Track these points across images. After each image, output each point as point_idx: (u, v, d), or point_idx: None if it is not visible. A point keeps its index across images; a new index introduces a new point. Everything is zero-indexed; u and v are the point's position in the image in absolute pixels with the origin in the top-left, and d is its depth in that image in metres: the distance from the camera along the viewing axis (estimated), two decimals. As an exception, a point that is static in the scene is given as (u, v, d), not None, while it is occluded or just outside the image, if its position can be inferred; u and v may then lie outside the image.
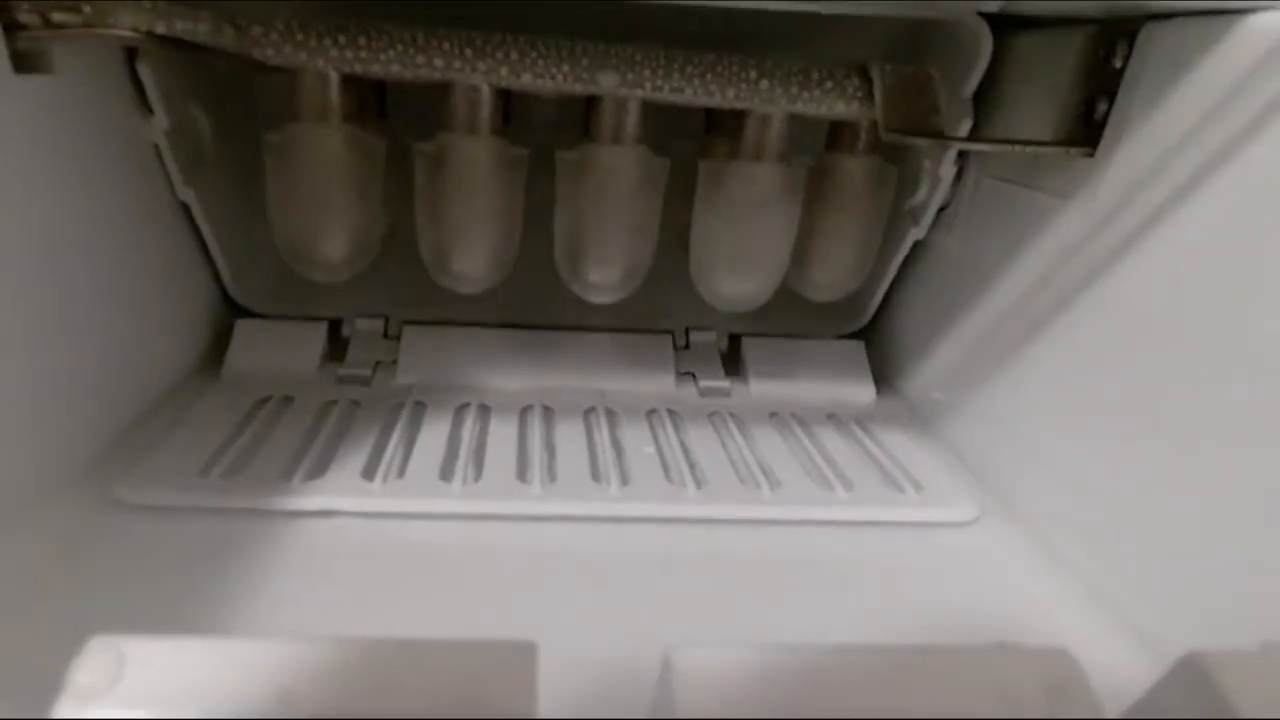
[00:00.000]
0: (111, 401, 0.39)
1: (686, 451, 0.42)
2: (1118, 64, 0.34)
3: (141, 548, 0.32)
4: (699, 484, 0.39)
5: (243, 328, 0.48)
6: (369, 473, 0.37)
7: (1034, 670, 0.18)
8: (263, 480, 0.36)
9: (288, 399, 0.44)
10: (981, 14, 0.38)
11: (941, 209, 0.46)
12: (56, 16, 0.30)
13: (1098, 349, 0.35)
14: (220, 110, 0.43)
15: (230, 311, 0.49)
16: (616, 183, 0.40)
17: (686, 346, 0.53)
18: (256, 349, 0.47)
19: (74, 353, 0.35)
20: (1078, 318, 0.36)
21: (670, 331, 0.52)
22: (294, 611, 0.30)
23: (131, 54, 0.36)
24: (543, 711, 0.17)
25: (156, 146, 0.39)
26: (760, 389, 0.50)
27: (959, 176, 0.43)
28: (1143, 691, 0.19)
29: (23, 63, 0.30)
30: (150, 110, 0.37)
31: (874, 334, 0.55)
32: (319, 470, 0.37)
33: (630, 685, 0.21)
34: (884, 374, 0.53)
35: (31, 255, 0.32)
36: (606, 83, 0.37)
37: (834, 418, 0.48)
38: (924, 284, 0.50)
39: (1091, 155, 0.35)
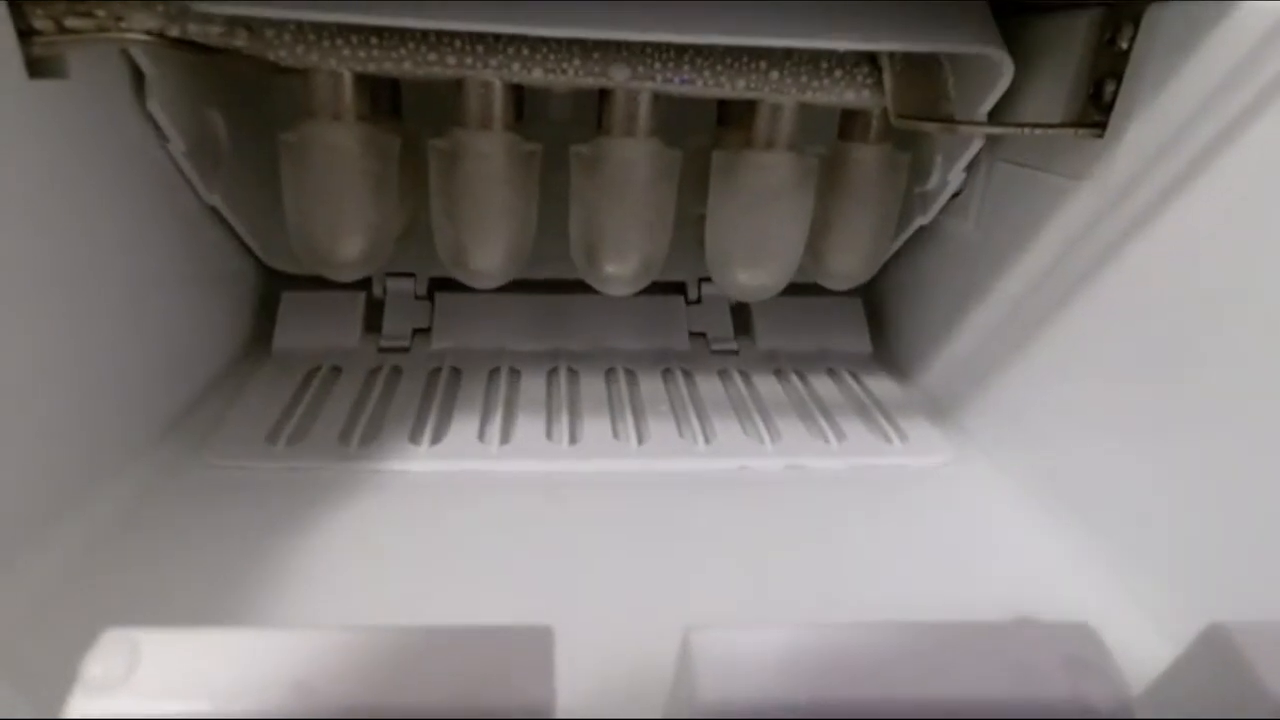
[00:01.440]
0: (178, 378, 0.43)
1: (698, 408, 0.47)
2: (1124, 45, 0.34)
3: (220, 506, 0.36)
4: (708, 439, 0.43)
5: (288, 302, 0.52)
6: (415, 437, 0.42)
7: (1055, 644, 0.18)
8: (322, 447, 0.41)
9: (335, 369, 0.49)
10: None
11: (954, 196, 0.46)
12: (70, 22, 0.30)
13: (1114, 329, 0.35)
14: (236, 109, 0.44)
15: (270, 280, 0.53)
16: (630, 175, 0.41)
17: (699, 300, 0.57)
18: (302, 322, 0.52)
19: (141, 335, 0.39)
20: (1094, 299, 0.36)
21: (683, 283, 0.56)
22: (356, 565, 0.33)
23: (140, 86, 0.36)
24: (561, 690, 0.17)
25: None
26: (766, 345, 0.55)
27: (972, 163, 0.43)
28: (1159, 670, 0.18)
29: (37, 68, 0.30)
30: (166, 138, 0.38)
31: (889, 323, 0.55)
32: (372, 435, 0.42)
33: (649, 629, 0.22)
34: (902, 365, 0.53)
35: (78, 254, 0.33)
36: (618, 76, 0.37)
37: (832, 371, 0.53)
38: (939, 271, 0.50)
39: (1101, 136, 0.35)
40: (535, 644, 0.18)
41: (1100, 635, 0.18)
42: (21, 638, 0.27)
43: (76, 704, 0.16)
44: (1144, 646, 0.28)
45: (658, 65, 0.38)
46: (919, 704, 0.17)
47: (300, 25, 0.36)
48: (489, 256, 0.42)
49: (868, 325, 0.56)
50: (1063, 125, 0.36)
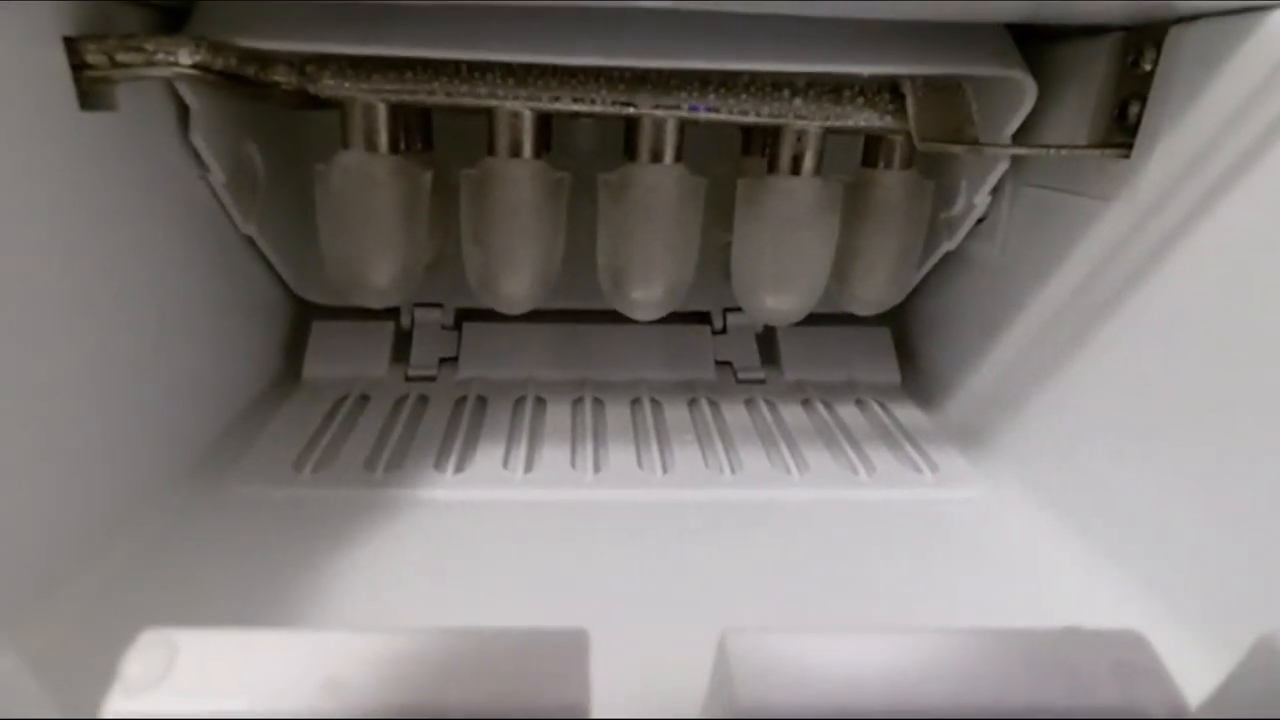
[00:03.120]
0: (210, 406, 0.43)
1: (724, 437, 0.46)
2: (1147, 67, 0.35)
3: (244, 533, 0.36)
4: (734, 469, 0.43)
5: (318, 331, 0.53)
6: (440, 464, 0.42)
7: (1105, 652, 0.17)
8: (347, 474, 0.41)
9: (364, 398, 0.50)
10: (1009, 25, 0.39)
11: (980, 221, 0.46)
12: (121, 56, 0.31)
13: (1145, 351, 0.35)
14: (272, 142, 0.45)
15: (301, 310, 0.54)
16: (656, 200, 0.41)
17: (724, 330, 0.57)
18: (332, 352, 0.52)
19: (175, 364, 0.39)
20: (1123, 321, 0.36)
21: (708, 312, 0.57)
22: (377, 588, 0.33)
23: (184, 118, 0.38)
24: (596, 696, 0.17)
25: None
26: (793, 375, 0.55)
27: (997, 187, 0.43)
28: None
29: (89, 100, 0.31)
30: (207, 168, 0.39)
31: (918, 353, 0.55)
32: (397, 462, 0.42)
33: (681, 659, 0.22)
34: (931, 394, 0.52)
35: (120, 281, 0.34)
36: (643, 105, 0.38)
37: (860, 402, 0.52)
38: (966, 297, 0.50)
39: (1128, 156, 0.35)
40: (571, 646, 0.17)
41: (1150, 642, 0.17)
42: (60, 652, 0.27)
43: (115, 702, 0.16)
44: (1196, 674, 0.27)
45: (683, 94, 0.38)
46: (959, 710, 0.17)
47: (338, 59, 0.37)
48: (517, 282, 0.42)
49: (896, 355, 0.56)
50: (1089, 147, 0.36)
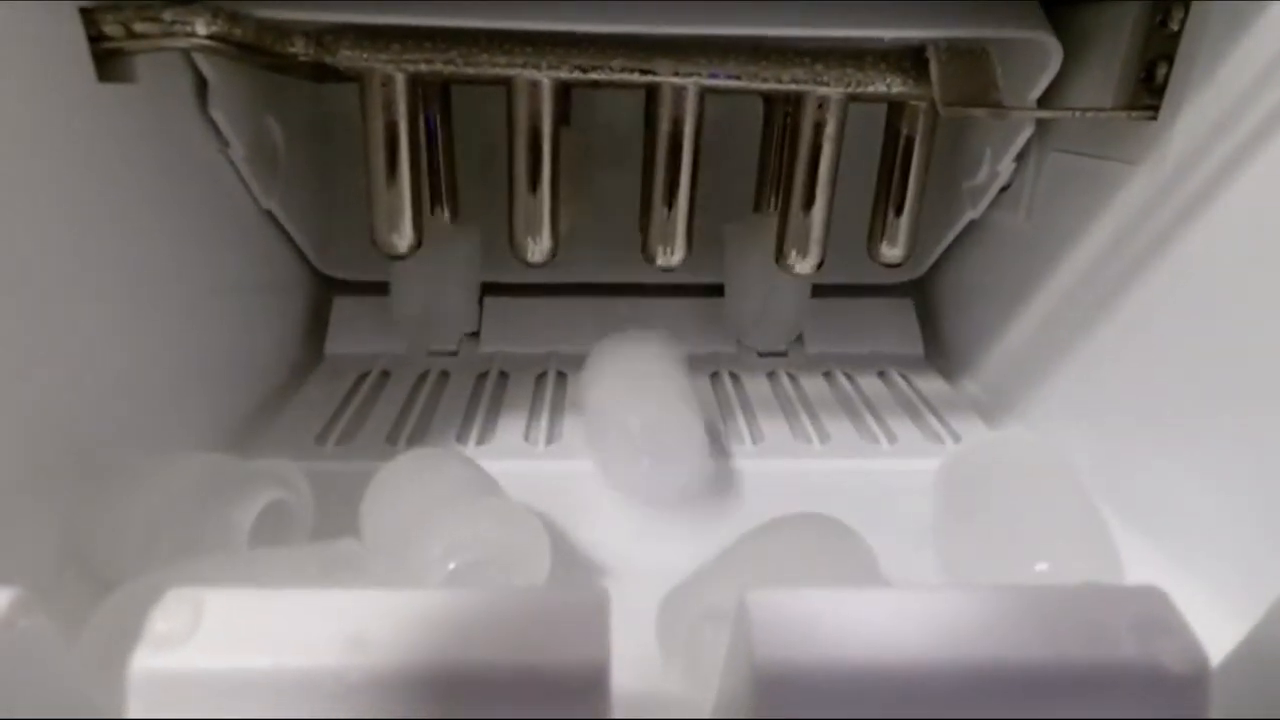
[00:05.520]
0: (233, 383, 0.43)
1: (745, 409, 0.47)
2: (1175, 27, 0.34)
3: None
4: (755, 440, 0.43)
5: (340, 308, 0.53)
6: (462, 437, 0.42)
7: (1125, 607, 0.17)
8: (370, 447, 0.41)
9: (385, 373, 0.50)
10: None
11: (1004, 189, 0.45)
12: (138, 27, 0.31)
13: (1171, 317, 0.34)
14: (291, 117, 0.45)
15: (321, 286, 0.54)
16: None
17: None
18: (354, 328, 0.53)
19: (200, 341, 0.39)
20: (1150, 286, 0.35)
21: None
22: None
23: (203, 92, 0.38)
24: (615, 659, 0.17)
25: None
26: (815, 348, 0.55)
27: (1021, 154, 0.43)
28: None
29: (107, 72, 0.31)
30: (227, 142, 0.39)
31: (941, 325, 0.54)
32: (419, 436, 0.42)
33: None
34: (955, 366, 0.52)
35: (140, 254, 0.34)
36: (663, 72, 0.38)
37: (883, 374, 0.52)
38: (990, 267, 0.49)
39: (1155, 118, 0.34)
40: (592, 606, 0.18)
41: (1171, 598, 0.17)
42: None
43: (142, 658, 0.17)
44: (1217, 636, 0.27)
45: (703, 60, 0.38)
46: (978, 664, 0.17)
47: (355, 29, 0.37)
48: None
49: (919, 327, 0.56)
50: (1116, 109, 0.35)
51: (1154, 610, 0.17)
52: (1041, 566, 0.28)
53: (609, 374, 0.41)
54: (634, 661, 0.20)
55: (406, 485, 0.32)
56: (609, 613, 0.18)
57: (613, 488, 0.38)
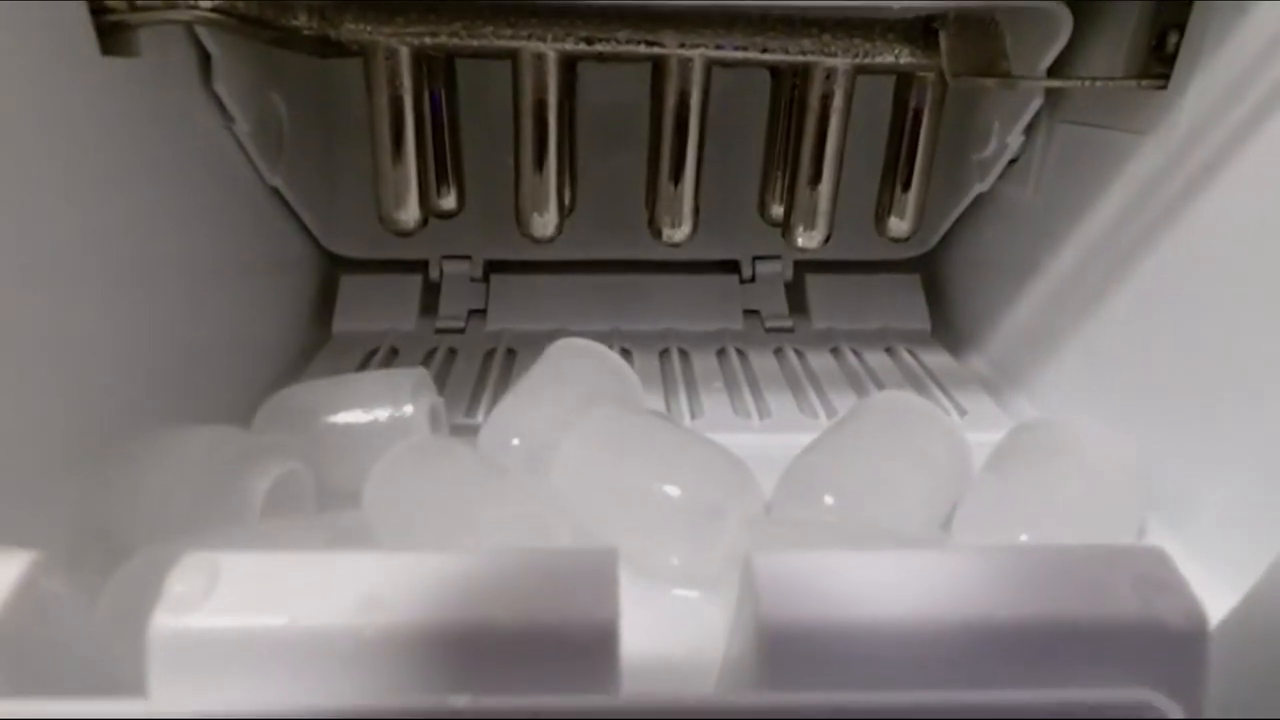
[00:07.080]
0: (240, 361, 0.43)
1: (752, 385, 0.46)
2: (1186, -5, 0.34)
3: None
4: (761, 415, 0.43)
5: (347, 285, 0.53)
6: (470, 414, 0.43)
7: (1127, 566, 0.17)
8: None
9: (393, 350, 0.50)
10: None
11: (1012, 162, 0.45)
12: (141, -1, 0.31)
13: (1180, 290, 0.34)
14: (295, 93, 0.45)
15: (328, 264, 0.54)
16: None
17: (753, 279, 0.56)
18: (361, 306, 0.53)
19: (207, 319, 0.39)
20: (1158, 259, 0.35)
21: (737, 261, 0.56)
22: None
23: (206, 67, 0.38)
24: (624, 619, 0.17)
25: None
26: (822, 324, 0.55)
27: (1030, 126, 0.43)
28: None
29: (110, 45, 0.31)
30: (232, 118, 0.39)
31: (948, 300, 0.54)
32: None
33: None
34: (962, 341, 0.52)
35: (146, 231, 0.34)
36: (669, 44, 0.38)
37: (890, 349, 0.52)
38: (998, 241, 0.49)
39: (1165, 88, 0.34)
40: (600, 564, 0.18)
41: (1172, 558, 0.17)
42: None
43: (160, 619, 0.17)
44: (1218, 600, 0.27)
45: (709, 32, 0.38)
46: (981, 621, 0.17)
47: (359, 2, 0.37)
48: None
49: (926, 303, 0.55)
50: (1126, 78, 0.35)
51: (1155, 568, 0.17)
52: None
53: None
54: (643, 623, 0.20)
55: (423, 471, 0.32)
56: (617, 570, 0.18)
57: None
